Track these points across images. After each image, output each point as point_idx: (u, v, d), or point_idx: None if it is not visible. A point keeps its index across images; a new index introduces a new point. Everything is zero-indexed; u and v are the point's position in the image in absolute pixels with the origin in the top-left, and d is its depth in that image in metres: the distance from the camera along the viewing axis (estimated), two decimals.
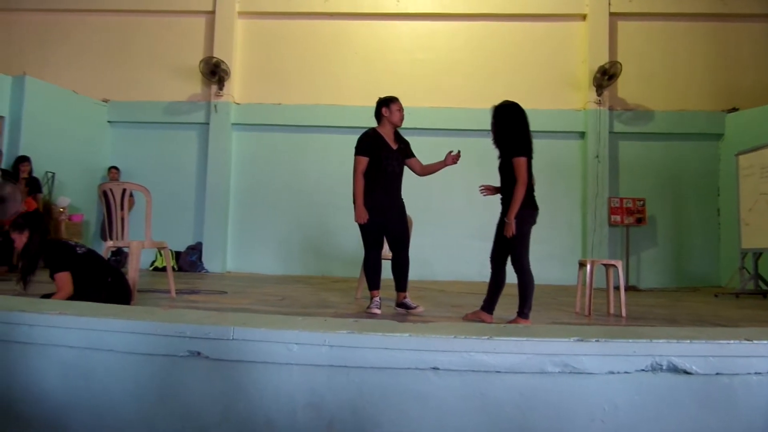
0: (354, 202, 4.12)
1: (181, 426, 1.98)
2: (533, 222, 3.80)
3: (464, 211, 8.39)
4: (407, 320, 3.77)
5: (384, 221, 4.13)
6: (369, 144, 4.14)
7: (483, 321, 3.84)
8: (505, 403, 1.90)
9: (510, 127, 3.77)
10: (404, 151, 4.28)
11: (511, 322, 3.70)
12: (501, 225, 3.82)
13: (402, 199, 4.28)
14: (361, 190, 4.10)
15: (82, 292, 3.50)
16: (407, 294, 4.22)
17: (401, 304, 4.16)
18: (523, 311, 3.71)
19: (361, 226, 4.15)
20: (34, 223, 3.67)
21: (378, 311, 4.06)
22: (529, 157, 3.72)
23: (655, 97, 8.50)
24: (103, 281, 3.64)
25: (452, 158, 4.26)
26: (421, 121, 8.11)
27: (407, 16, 8.80)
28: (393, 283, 4.24)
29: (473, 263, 8.33)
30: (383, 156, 4.11)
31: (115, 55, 9.00)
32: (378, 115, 4.24)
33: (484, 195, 4.09)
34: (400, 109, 4.23)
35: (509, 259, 3.81)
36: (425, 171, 4.35)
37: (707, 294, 7.01)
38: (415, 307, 4.13)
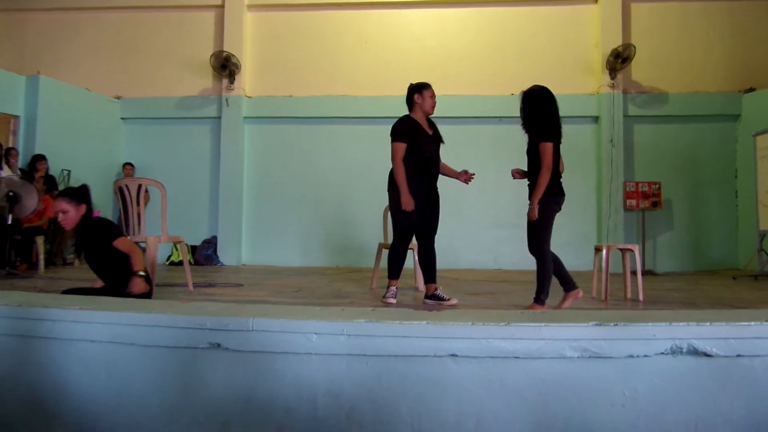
0: (398, 190, 3.96)
1: (204, 417, 2.01)
2: (558, 208, 3.75)
3: (478, 199, 8.37)
4: (424, 307, 3.77)
5: (421, 210, 4.02)
6: (406, 130, 4.04)
7: (572, 299, 3.82)
8: (525, 389, 1.90)
9: (538, 111, 3.74)
10: (438, 137, 4.20)
11: (527, 308, 3.68)
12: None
13: (437, 190, 4.18)
14: (404, 176, 3.95)
15: (118, 281, 3.46)
16: (438, 285, 4.12)
17: (432, 296, 4.06)
18: (540, 297, 3.69)
19: (398, 217, 4.04)
20: (87, 197, 3.69)
21: (393, 300, 4.01)
22: (557, 143, 3.68)
23: (669, 79, 8.37)
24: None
25: (466, 177, 4.21)
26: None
27: (417, 3, 8.74)
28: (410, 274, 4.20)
29: (488, 251, 8.35)
30: (421, 142, 4.02)
31: (126, 52, 9.05)
32: (410, 101, 4.16)
33: (514, 178, 4.06)
34: (433, 96, 4.16)
35: (527, 243, 3.77)
36: (441, 167, 4.25)
37: (725, 277, 6.94)
38: (448, 299, 4.01)
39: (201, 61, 8.72)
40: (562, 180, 3.81)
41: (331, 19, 8.85)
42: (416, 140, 4.01)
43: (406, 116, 4.16)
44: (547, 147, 3.59)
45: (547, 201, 3.61)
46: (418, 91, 4.14)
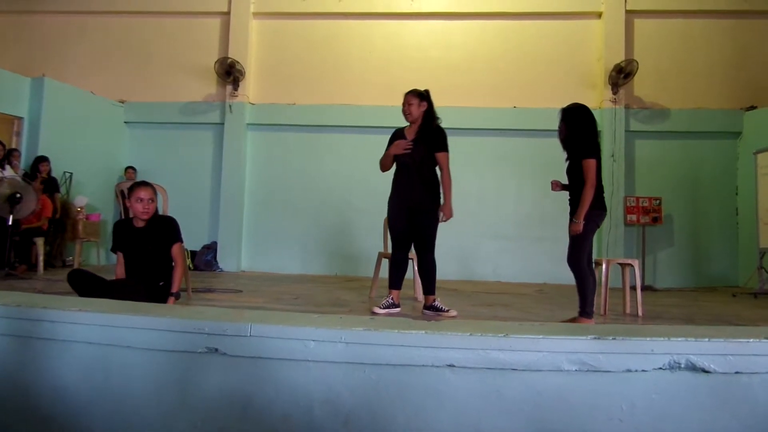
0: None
1: (201, 422, 2.00)
2: (600, 223, 3.80)
3: (478, 210, 8.38)
4: (422, 317, 3.77)
5: (406, 219, 4.09)
6: (390, 139, 4.23)
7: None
8: (522, 401, 1.89)
9: (581, 129, 3.81)
10: (425, 141, 4.09)
11: (571, 320, 3.74)
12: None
13: (428, 196, 4.09)
14: (386, 161, 4.21)
15: (150, 281, 3.59)
16: (436, 297, 4.12)
17: (431, 307, 4.06)
18: (585, 310, 3.71)
19: (390, 223, 4.20)
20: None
21: (380, 311, 3.97)
22: (599, 159, 3.74)
23: (671, 95, 8.41)
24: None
25: (445, 216, 4.13)
26: None
27: (421, 15, 8.79)
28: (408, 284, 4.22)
29: (487, 263, 8.35)
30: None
31: (131, 56, 9.11)
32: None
33: (553, 190, 4.08)
34: (404, 103, 4.20)
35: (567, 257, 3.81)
36: (442, 175, 4.16)
37: (725, 294, 6.93)
38: (447, 311, 4.00)
39: (206, 67, 8.77)
40: (604, 195, 3.86)
41: (337, 29, 8.91)
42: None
43: (399, 128, 4.32)
44: (591, 164, 3.66)
45: (590, 215, 3.66)
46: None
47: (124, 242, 3.66)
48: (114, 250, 3.73)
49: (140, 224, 3.64)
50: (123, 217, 4.64)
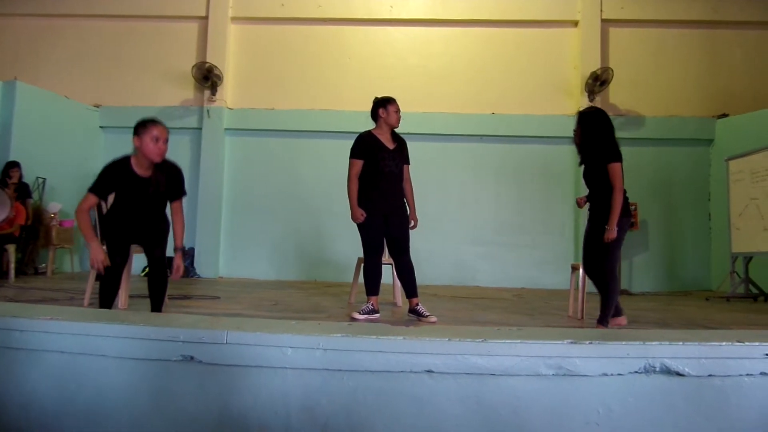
0: (350, 205, 4.11)
1: (176, 431, 1.97)
2: (628, 228, 3.77)
3: (458, 216, 8.44)
4: (401, 323, 3.76)
5: (384, 224, 4.10)
6: (363, 146, 4.14)
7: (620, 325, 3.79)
8: (500, 406, 1.90)
9: (601, 133, 3.75)
10: (401, 151, 4.23)
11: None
12: (591, 234, 3.78)
13: (403, 201, 4.25)
14: (355, 192, 4.11)
15: (152, 232, 3.39)
16: (419, 300, 4.13)
17: (413, 311, 4.08)
18: (606, 319, 3.67)
19: (361, 230, 4.13)
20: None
21: (360, 317, 3.98)
22: (622, 162, 3.69)
23: (646, 103, 8.57)
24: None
25: (415, 224, 4.32)
26: (415, 127, 8.13)
27: (401, 21, 8.83)
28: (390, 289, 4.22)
29: (466, 268, 8.39)
30: (379, 157, 4.09)
31: (107, 60, 8.98)
32: (374, 115, 4.22)
33: (580, 207, 4.09)
34: (397, 111, 4.20)
35: (598, 264, 3.76)
36: (406, 187, 4.29)
37: (699, 298, 7.05)
38: (427, 316, 4.01)
39: (183, 72, 8.68)
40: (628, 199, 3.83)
41: (316, 34, 8.90)
42: (374, 155, 4.10)
43: (365, 132, 4.23)
44: (617, 168, 3.63)
45: (620, 221, 3.61)
46: (382, 105, 4.19)
47: (119, 190, 3.24)
48: (98, 192, 3.21)
49: (145, 171, 3.23)
50: (98, 223, 4.51)
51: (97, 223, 4.55)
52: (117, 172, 3.23)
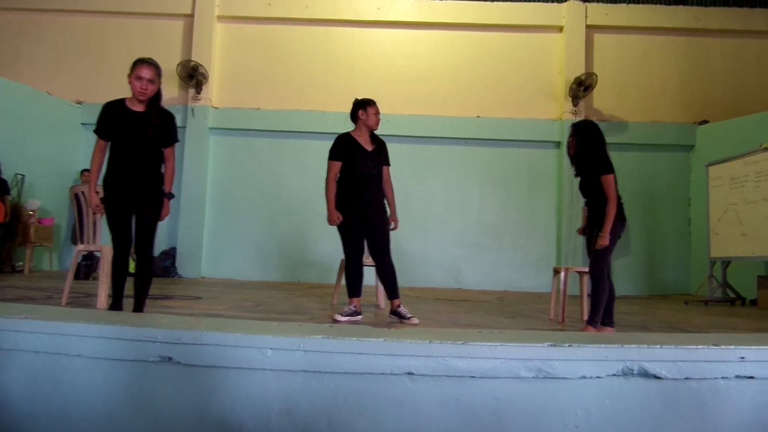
0: (327, 207, 4.11)
1: None
2: (621, 233, 3.91)
3: (442, 218, 8.46)
4: (382, 325, 3.75)
5: (363, 226, 4.11)
6: (341, 148, 4.14)
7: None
8: (480, 408, 1.90)
9: (595, 146, 3.91)
10: (380, 153, 4.23)
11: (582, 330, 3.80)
12: (590, 238, 3.94)
13: (383, 202, 4.24)
14: (332, 194, 4.11)
15: (147, 172, 3.46)
16: (401, 302, 4.11)
17: (395, 313, 4.07)
18: (594, 319, 3.78)
19: (340, 232, 4.13)
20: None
21: (342, 318, 3.97)
22: (614, 173, 3.86)
23: (629, 109, 8.67)
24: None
25: (395, 225, 4.33)
26: (401, 129, 8.16)
27: (387, 23, 8.84)
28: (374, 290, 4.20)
29: (450, 270, 8.41)
30: (357, 159, 4.09)
31: (90, 56, 8.86)
32: (354, 117, 4.22)
33: (582, 234, 4.22)
34: (377, 113, 4.20)
35: (589, 266, 3.94)
36: (386, 189, 4.29)
37: (678, 301, 7.15)
38: (409, 318, 4.00)
39: (167, 70, 8.45)
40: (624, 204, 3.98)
41: (302, 34, 8.88)
42: (352, 157, 4.10)
43: (344, 134, 4.23)
44: (611, 179, 3.80)
45: (614, 227, 3.77)
46: (362, 107, 4.19)
47: (115, 126, 3.35)
48: (100, 133, 3.40)
49: (137, 107, 3.38)
50: (78, 221, 4.46)
51: (76, 225, 4.51)
52: (112, 107, 3.43)
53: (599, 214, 3.82)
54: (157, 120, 3.41)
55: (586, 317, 4.70)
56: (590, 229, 3.98)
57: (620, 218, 3.86)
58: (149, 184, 3.45)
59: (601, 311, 3.80)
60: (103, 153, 3.43)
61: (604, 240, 3.74)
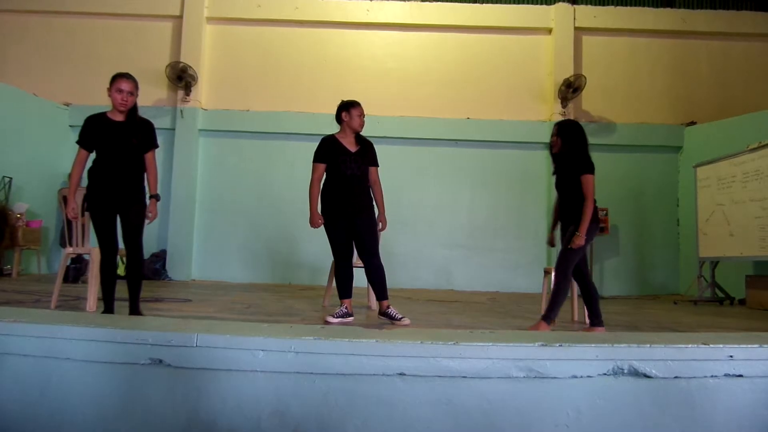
0: (309, 209, 4.15)
1: None
2: (594, 235, 3.94)
3: (432, 219, 8.47)
4: (374, 326, 3.75)
5: (349, 227, 4.10)
6: (324, 150, 4.17)
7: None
8: (472, 408, 1.91)
9: (578, 145, 3.92)
10: (365, 154, 4.22)
11: (531, 327, 3.80)
12: (567, 239, 3.91)
13: (370, 204, 4.23)
14: (315, 196, 4.15)
15: (128, 178, 3.62)
16: (389, 303, 4.12)
17: (384, 314, 4.06)
18: (549, 316, 3.80)
19: (327, 233, 4.13)
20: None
21: (334, 320, 3.96)
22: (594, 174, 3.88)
23: (617, 110, 8.73)
24: None
25: (383, 226, 4.35)
26: (391, 130, 8.17)
27: (377, 25, 8.84)
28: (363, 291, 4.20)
29: (441, 271, 8.42)
30: (340, 161, 4.10)
31: (78, 58, 8.79)
32: (338, 118, 4.24)
33: (552, 245, 4.28)
34: (361, 115, 4.21)
35: (556, 263, 3.93)
36: (374, 189, 4.30)
37: (667, 301, 7.20)
38: (400, 319, 4.00)
39: (156, 71, 8.55)
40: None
41: (292, 36, 8.86)
42: (335, 159, 4.12)
43: (329, 136, 4.26)
44: (591, 179, 3.82)
45: (589, 228, 3.77)
46: (346, 109, 4.22)
47: (98, 137, 3.55)
48: (83, 144, 3.58)
49: (118, 117, 3.59)
50: (66, 224, 4.44)
51: (65, 228, 4.50)
52: (95, 120, 3.63)
53: (574, 214, 3.82)
54: (139, 129, 3.64)
55: (576, 317, 4.75)
56: (563, 227, 3.97)
57: (594, 220, 3.85)
58: (132, 188, 3.62)
59: (558, 310, 3.81)
60: (83, 165, 3.63)
61: (580, 240, 3.74)
